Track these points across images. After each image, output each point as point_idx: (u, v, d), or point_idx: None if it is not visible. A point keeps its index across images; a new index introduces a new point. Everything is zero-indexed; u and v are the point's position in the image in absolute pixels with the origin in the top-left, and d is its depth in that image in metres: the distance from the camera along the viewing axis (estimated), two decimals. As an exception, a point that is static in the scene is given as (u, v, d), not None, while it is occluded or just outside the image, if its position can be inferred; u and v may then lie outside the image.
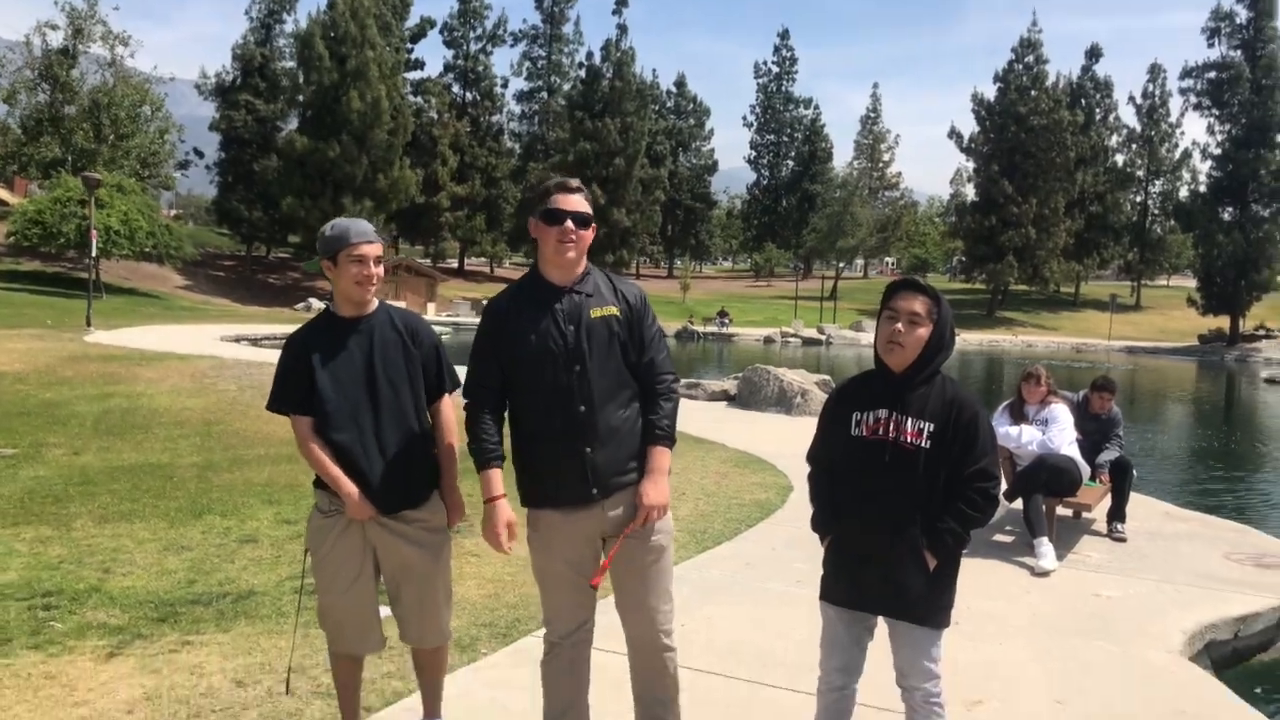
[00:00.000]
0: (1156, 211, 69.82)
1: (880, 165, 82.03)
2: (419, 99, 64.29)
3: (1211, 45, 54.27)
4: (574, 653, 2.95)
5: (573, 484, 2.82)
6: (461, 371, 3.22)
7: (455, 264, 70.76)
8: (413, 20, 64.01)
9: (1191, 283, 59.63)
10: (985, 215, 61.70)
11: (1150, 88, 68.22)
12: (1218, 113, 53.22)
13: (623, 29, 64.21)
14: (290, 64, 55.54)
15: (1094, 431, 6.93)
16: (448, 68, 69.07)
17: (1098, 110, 68.48)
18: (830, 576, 2.91)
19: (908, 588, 2.75)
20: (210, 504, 6.74)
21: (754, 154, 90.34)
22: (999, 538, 6.52)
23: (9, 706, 3.51)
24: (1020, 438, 6.45)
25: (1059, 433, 6.40)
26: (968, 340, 42.98)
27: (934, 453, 2.73)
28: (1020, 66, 63.45)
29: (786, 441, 9.97)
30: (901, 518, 2.75)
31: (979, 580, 5.37)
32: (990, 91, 63.83)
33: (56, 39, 46.47)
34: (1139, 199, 70.29)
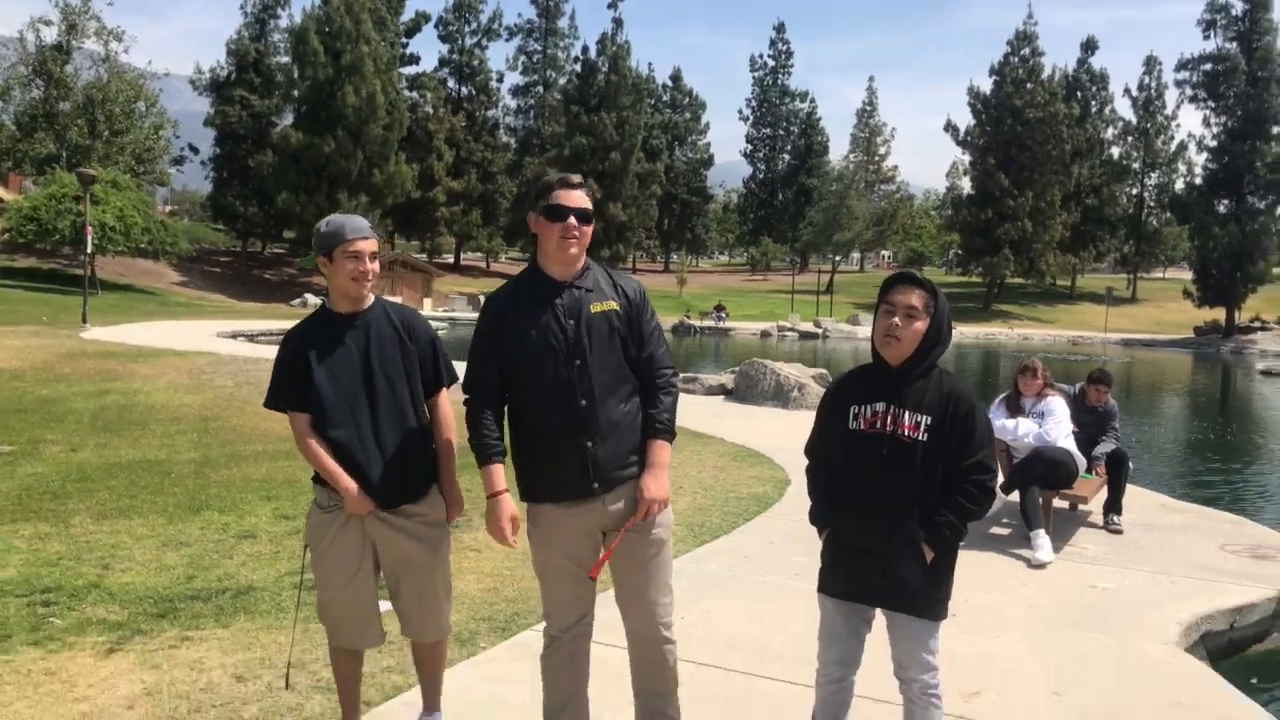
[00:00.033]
0: (1152, 204, 69.91)
1: (876, 159, 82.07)
2: (414, 94, 64.20)
3: (1207, 37, 54.31)
4: (574, 646, 2.96)
5: (574, 478, 2.83)
6: (459, 367, 3.23)
7: (451, 259, 70.72)
8: (408, 15, 63.97)
9: (1187, 275, 59.72)
10: (981, 208, 61.77)
11: (1146, 80, 68.29)
12: (1213, 105, 53.23)
13: (618, 23, 64.21)
14: (285, 59, 55.44)
15: (1090, 424, 6.95)
16: (443, 62, 68.99)
17: (1093, 103, 68.53)
18: (828, 569, 2.93)
19: (905, 580, 2.76)
20: (208, 500, 6.74)
21: (750, 148, 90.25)
22: (996, 530, 6.54)
23: (9, 703, 3.52)
24: (1017, 430, 6.46)
25: (1055, 425, 6.41)
26: (964, 333, 43.02)
27: (931, 446, 2.74)
28: (1016, 59, 63.46)
29: (783, 435, 9.98)
30: (899, 511, 2.76)
31: (976, 572, 5.39)
32: (986, 84, 63.99)
33: (50, 35, 46.45)
34: (1135, 192, 70.37)
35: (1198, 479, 11.60)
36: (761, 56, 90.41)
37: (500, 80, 71.43)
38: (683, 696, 3.12)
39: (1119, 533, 6.58)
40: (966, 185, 67.68)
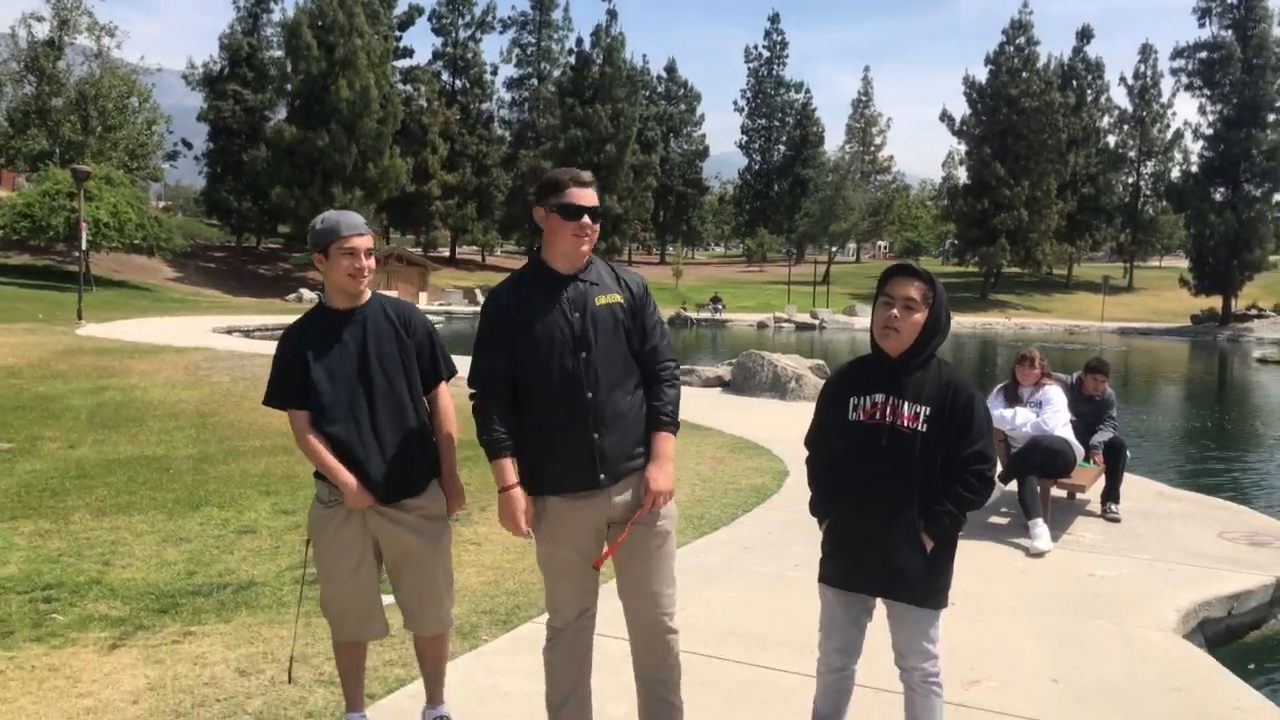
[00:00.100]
0: (1148, 192, 69.83)
1: (872, 149, 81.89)
2: (408, 87, 63.98)
3: (1203, 25, 54.27)
4: (577, 638, 2.97)
5: (581, 470, 2.84)
6: (457, 360, 3.23)
7: (447, 253, 70.58)
8: (401, 8, 63.72)
9: (1184, 263, 59.73)
10: (977, 198, 61.70)
11: (1141, 68, 68.16)
12: (1209, 93, 53.23)
13: (612, 14, 63.87)
14: (278, 53, 55.24)
15: (1088, 413, 6.97)
16: (437, 55, 68.73)
17: (1089, 91, 68.40)
18: (828, 559, 2.94)
19: (905, 570, 2.78)
20: (207, 496, 6.75)
21: (745, 139, 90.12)
22: (994, 520, 6.56)
23: (14, 699, 3.53)
24: (1015, 420, 6.48)
25: (1053, 415, 6.43)
26: (961, 323, 43.05)
27: (931, 436, 2.76)
28: (1011, 48, 63.32)
29: (781, 427, 10.00)
30: (899, 501, 2.77)
31: (975, 562, 5.41)
32: (981, 74, 63.79)
33: (42, 30, 46.24)
34: (1131, 180, 70.29)
35: (1195, 467, 11.64)
36: (756, 47, 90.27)
37: (494, 73, 71.22)
38: (684, 686, 3.14)
39: (1117, 521, 6.61)
40: (962, 175, 67.57)
